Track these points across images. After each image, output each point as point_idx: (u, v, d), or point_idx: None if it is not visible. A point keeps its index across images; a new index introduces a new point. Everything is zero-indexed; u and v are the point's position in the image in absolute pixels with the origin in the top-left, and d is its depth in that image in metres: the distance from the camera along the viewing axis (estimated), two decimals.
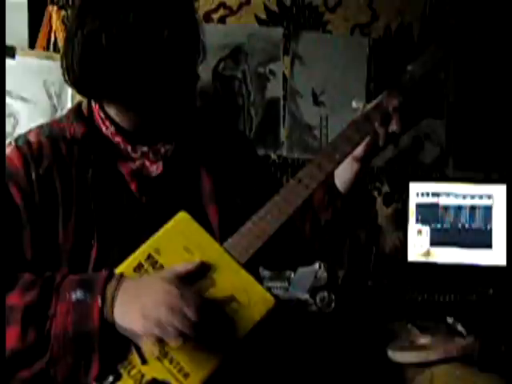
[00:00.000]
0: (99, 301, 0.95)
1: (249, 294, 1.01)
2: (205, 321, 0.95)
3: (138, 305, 0.95)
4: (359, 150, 1.17)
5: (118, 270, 1.02)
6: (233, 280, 1.02)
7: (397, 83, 1.19)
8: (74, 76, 1.08)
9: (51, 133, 1.15)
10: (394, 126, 1.14)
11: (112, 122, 1.14)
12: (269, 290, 1.05)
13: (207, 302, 0.98)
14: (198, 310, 0.94)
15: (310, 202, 1.23)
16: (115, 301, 0.96)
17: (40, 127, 1.17)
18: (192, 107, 1.20)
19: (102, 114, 1.15)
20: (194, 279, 1.01)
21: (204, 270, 1.02)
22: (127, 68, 1.05)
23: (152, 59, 1.06)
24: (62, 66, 1.10)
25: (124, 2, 1.04)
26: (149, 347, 0.94)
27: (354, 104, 1.20)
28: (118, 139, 1.14)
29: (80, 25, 1.05)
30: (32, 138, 1.14)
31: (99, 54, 1.04)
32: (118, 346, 0.97)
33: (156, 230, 1.05)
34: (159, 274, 1.00)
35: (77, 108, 1.19)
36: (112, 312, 0.95)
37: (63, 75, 1.11)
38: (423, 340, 1.78)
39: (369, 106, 1.18)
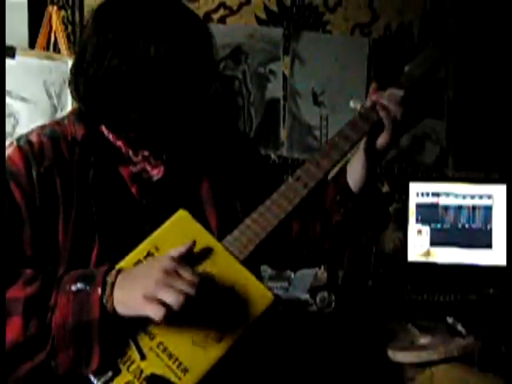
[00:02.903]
0: (99, 290, 0.96)
1: (248, 290, 1.01)
2: (203, 284, 0.95)
3: (137, 285, 0.95)
4: (367, 150, 1.17)
5: (117, 267, 1.02)
6: (232, 276, 1.02)
7: (395, 83, 1.19)
8: (89, 106, 1.10)
9: (52, 133, 1.15)
10: (398, 116, 1.14)
11: None
12: (269, 289, 1.05)
13: (205, 281, 0.98)
14: (195, 272, 0.96)
15: (321, 202, 1.23)
16: (114, 289, 0.96)
17: (41, 127, 1.17)
18: (200, 123, 1.20)
19: None
20: (189, 264, 1.01)
21: (198, 254, 1.03)
22: (145, 100, 1.05)
23: (171, 91, 1.06)
24: (70, 87, 1.11)
25: (144, 36, 1.04)
26: (155, 313, 0.92)
27: (351, 104, 1.21)
28: (119, 143, 1.15)
29: (99, 58, 1.05)
30: (33, 138, 1.14)
31: (118, 89, 1.05)
32: (117, 338, 0.97)
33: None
34: (153, 258, 1.02)
35: (78, 110, 1.19)
36: (112, 300, 0.95)
37: (71, 93, 1.11)
38: (423, 340, 1.78)
39: (367, 105, 1.18)
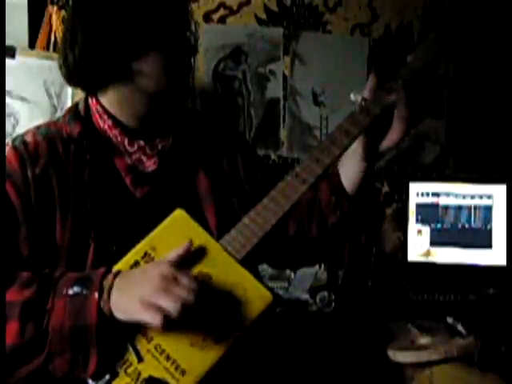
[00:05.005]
0: (96, 295, 0.95)
1: (246, 290, 1.00)
2: (202, 290, 0.95)
3: (134, 290, 0.95)
4: (365, 149, 1.14)
5: (114, 268, 1.02)
6: (230, 276, 1.01)
7: (397, 75, 1.17)
8: (76, 65, 1.10)
9: (48, 133, 1.16)
10: (403, 112, 1.11)
11: (110, 115, 1.15)
12: (269, 288, 1.04)
13: (204, 286, 0.98)
14: (194, 278, 0.95)
15: (316, 202, 1.23)
16: (112, 293, 0.96)
17: (37, 128, 1.18)
18: (188, 92, 1.21)
19: (99, 108, 1.15)
20: (187, 264, 1.00)
21: (195, 253, 1.02)
22: (125, 35, 1.07)
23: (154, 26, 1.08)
24: (60, 65, 1.11)
25: None
26: (153, 319, 0.92)
27: (352, 97, 1.18)
28: (115, 132, 1.15)
29: (79, 13, 1.08)
30: (28, 138, 1.14)
31: (102, 30, 1.06)
32: (115, 341, 0.97)
33: (152, 226, 1.05)
34: (152, 262, 1.01)
35: (73, 108, 1.20)
36: (109, 304, 0.95)
37: (63, 74, 1.11)
38: (423, 340, 1.78)
39: (367, 98, 1.14)
